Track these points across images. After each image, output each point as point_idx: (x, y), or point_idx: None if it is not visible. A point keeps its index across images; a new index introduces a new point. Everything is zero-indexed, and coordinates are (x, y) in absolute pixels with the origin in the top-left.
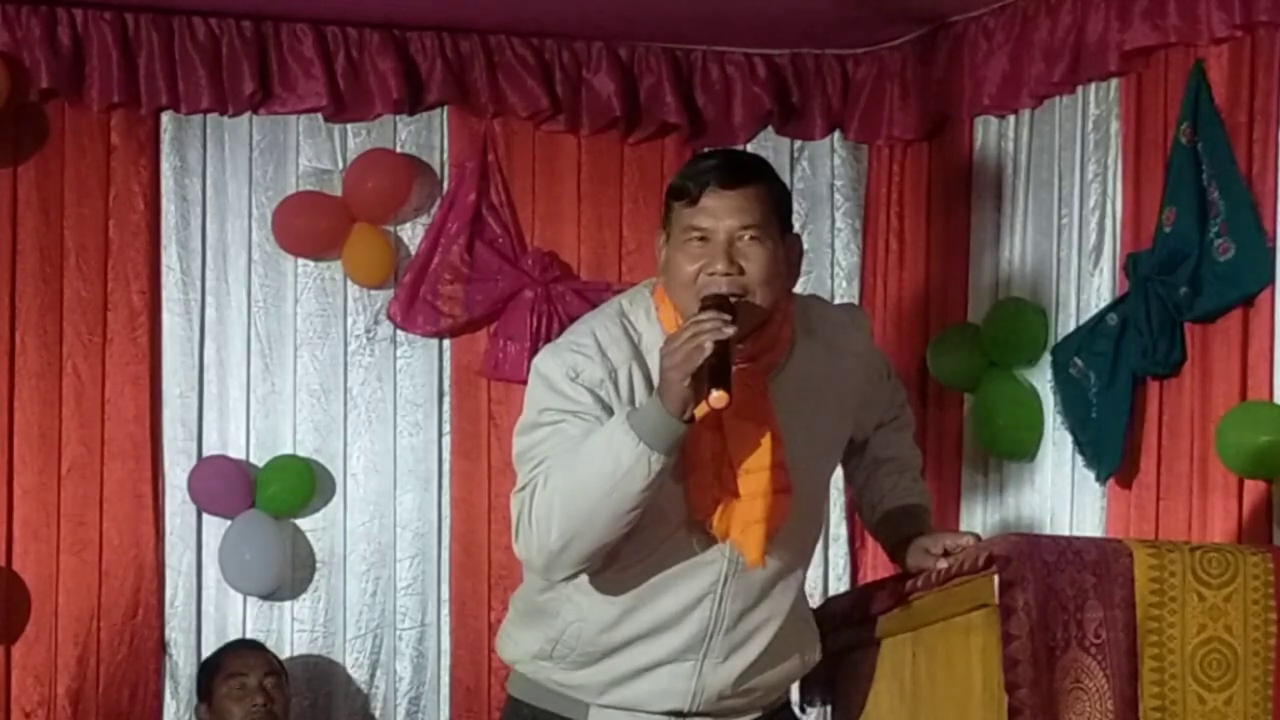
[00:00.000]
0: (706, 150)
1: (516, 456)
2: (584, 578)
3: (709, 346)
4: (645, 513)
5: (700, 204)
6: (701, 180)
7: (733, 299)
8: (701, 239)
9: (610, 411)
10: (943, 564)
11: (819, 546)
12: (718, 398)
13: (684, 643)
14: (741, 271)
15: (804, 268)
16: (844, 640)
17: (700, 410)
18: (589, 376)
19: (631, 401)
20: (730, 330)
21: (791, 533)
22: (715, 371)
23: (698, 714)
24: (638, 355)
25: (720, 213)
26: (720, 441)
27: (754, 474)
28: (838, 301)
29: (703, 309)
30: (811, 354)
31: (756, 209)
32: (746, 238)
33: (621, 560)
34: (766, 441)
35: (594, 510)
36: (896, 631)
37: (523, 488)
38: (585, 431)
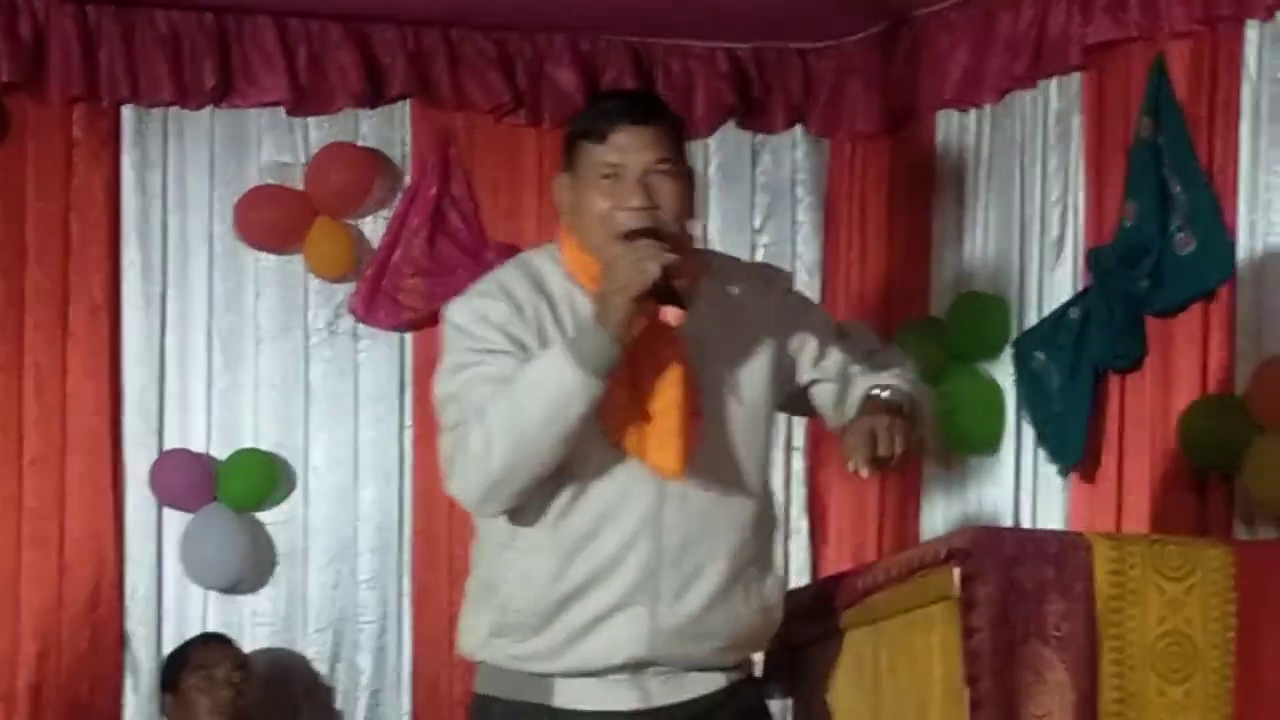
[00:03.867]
0: (605, 91)
1: (439, 403)
2: (522, 538)
3: (655, 269)
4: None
5: (610, 140)
6: (611, 118)
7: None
8: (613, 175)
9: (522, 347)
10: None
11: (779, 541)
12: (676, 314)
13: (631, 583)
14: (656, 205)
15: (766, 260)
16: (805, 634)
17: (652, 314)
18: (497, 315)
19: (539, 335)
20: (672, 257)
21: (720, 459)
22: (664, 292)
23: (658, 664)
24: (542, 291)
25: (632, 148)
26: (630, 364)
27: (664, 392)
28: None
29: (630, 241)
30: (716, 295)
31: (667, 143)
32: (659, 172)
33: (554, 505)
34: (674, 362)
35: (538, 438)
36: (858, 625)
37: (454, 426)
38: (504, 367)
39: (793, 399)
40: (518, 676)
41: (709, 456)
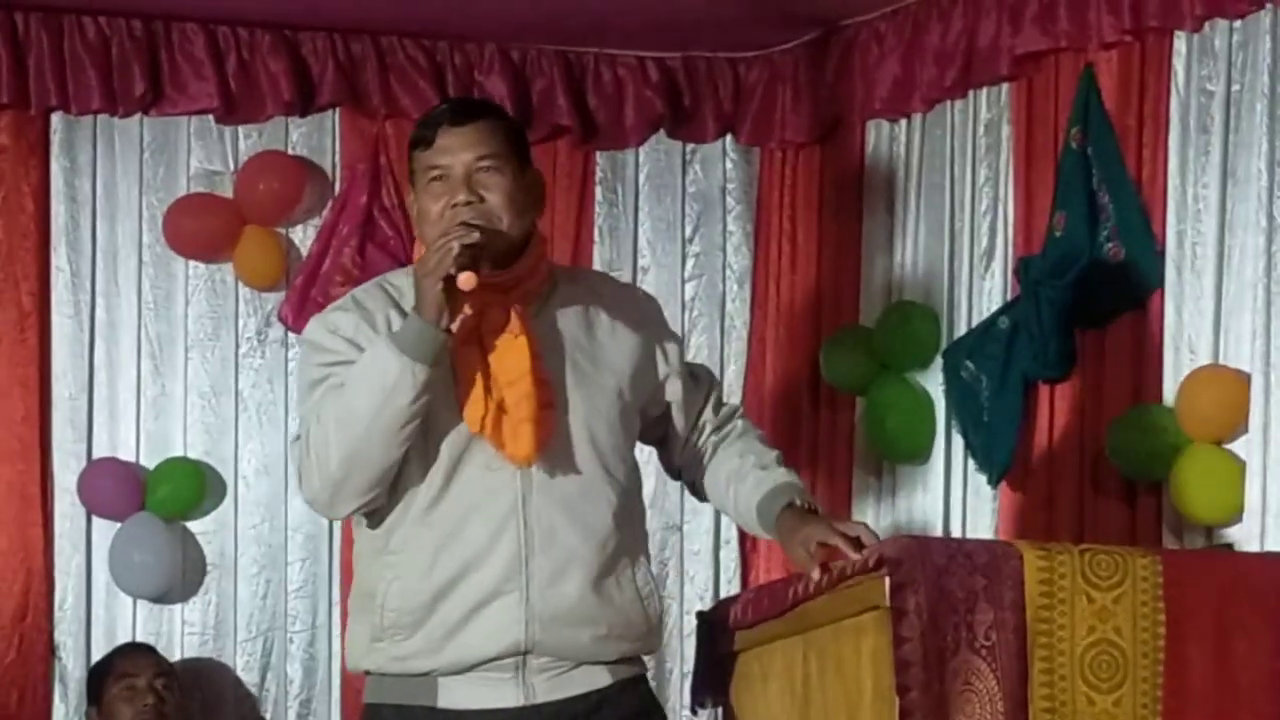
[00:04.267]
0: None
1: (300, 423)
2: (395, 539)
3: (456, 247)
4: (429, 436)
5: (435, 144)
6: (434, 123)
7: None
8: (441, 177)
9: None
10: (816, 574)
11: (710, 548)
12: (467, 278)
13: (503, 570)
14: (482, 200)
15: (695, 271)
16: (735, 643)
17: (463, 295)
18: (346, 327)
19: None
20: (476, 235)
21: (581, 450)
22: (464, 267)
23: (540, 654)
24: (394, 304)
25: (455, 148)
26: (482, 356)
27: (516, 383)
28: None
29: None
30: (576, 297)
31: (490, 141)
32: (483, 169)
33: (421, 501)
34: (524, 354)
35: (369, 430)
36: (787, 634)
37: (299, 436)
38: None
39: (647, 424)
40: (402, 680)
41: (569, 447)
